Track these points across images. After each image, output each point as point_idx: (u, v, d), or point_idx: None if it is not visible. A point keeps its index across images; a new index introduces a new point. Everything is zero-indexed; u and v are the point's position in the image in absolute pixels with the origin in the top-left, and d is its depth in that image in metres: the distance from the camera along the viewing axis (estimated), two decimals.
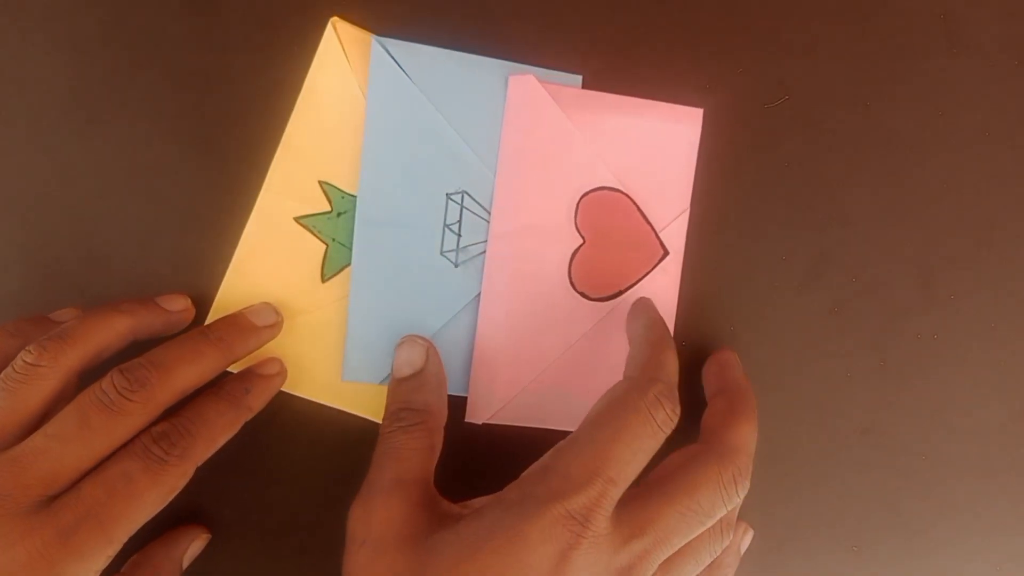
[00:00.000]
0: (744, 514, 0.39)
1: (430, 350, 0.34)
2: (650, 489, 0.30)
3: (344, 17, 0.35)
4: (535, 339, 0.36)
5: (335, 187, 0.36)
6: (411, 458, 0.30)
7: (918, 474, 0.40)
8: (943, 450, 0.40)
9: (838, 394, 0.39)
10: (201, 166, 0.36)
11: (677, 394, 0.30)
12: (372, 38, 0.35)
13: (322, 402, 0.36)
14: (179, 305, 0.35)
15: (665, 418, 0.29)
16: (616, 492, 0.28)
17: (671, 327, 0.37)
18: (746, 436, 0.32)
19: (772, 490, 0.39)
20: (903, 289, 0.39)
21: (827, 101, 0.38)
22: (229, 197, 0.36)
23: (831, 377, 0.39)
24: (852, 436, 0.39)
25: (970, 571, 0.41)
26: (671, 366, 0.31)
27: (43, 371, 0.29)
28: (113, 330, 0.31)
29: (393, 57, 0.35)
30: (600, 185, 0.36)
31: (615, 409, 0.29)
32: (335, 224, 0.36)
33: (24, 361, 0.29)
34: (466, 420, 0.36)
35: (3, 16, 0.35)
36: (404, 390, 0.33)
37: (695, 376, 0.38)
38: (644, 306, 0.35)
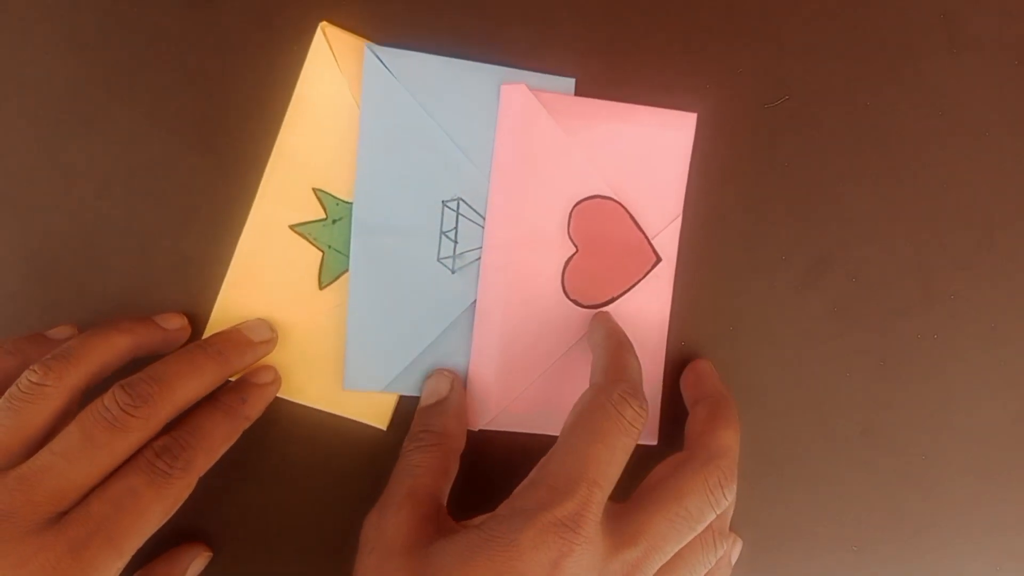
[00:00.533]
0: (744, 514, 0.39)
1: (455, 381, 0.36)
2: (639, 499, 0.31)
3: (334, 21, 0.35)
4: (529, 347, 0.36)
5: (329, 194, 0.36)
6: (424, 475, 0.32)
7: (918, 474, 0.40)
8: (943, 450, 0.40)
9: (838, 394, 0.39)
10: (202, 166, 0.36)
11: (642, 391, 0.31)
12: (365, 45, 0.35)
13: (323, 409, 0.36)
14: (176, 323, 0.35)
15: (634, 415, 0.30)
16: (602, 495, 0.28)
17: (664, 333, 0.38)
18: (729, 440, 0.33)
19: (772, 490, 0.39)
20: (903, 289, 0.39)
21: (827, 101, 0.38)
22: (229, 197, 0.36)
23: (831, 377, 0.39)
24: (852, 436, 0.39)
25: (970, 571, 0.41)
26: (632, 367, 0.32)
27: (48, 390, 0.29)
28: (114, 348, 0.32)
29: (385, 65, 0.35)
30: (593, 194, 0.36)
31: (585, 415, 0.30)
32: (330, 231, 0.36)
33: (29, 380, 0.29)
34: None
35: (3, 16, 0.35)
36: (425, 415, 0.35)
37: None
38: (601, 318, 0.36)
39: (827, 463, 0.39)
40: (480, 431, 0.37)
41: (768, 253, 0.38)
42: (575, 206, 0.36)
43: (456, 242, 0.36)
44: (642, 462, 0.37)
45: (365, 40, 0.35)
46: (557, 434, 0.37)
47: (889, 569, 0.40)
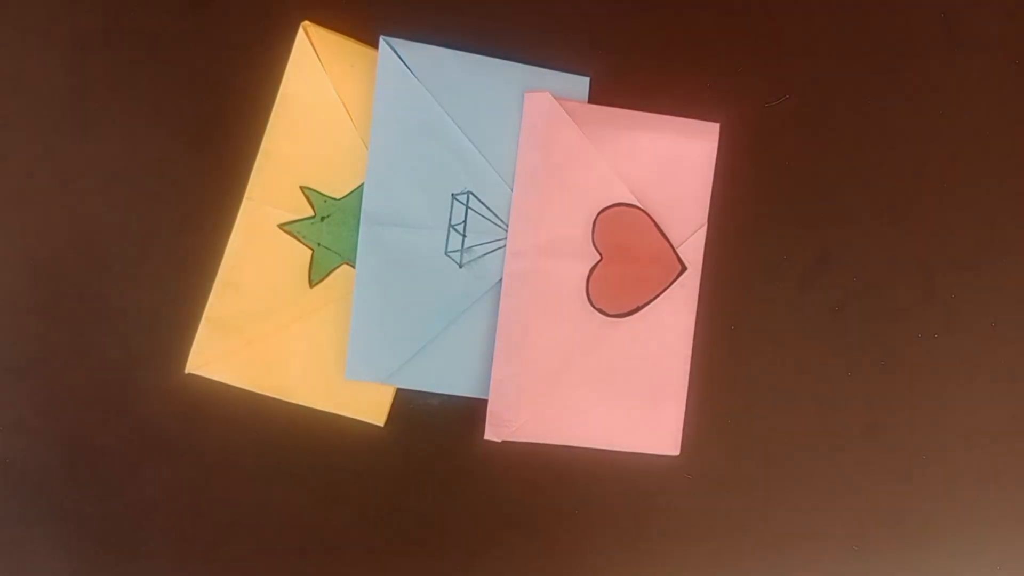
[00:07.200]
0: (745, 514, 0.39)
1: None
2: None
3: (319, 21, 0.35)
4: (554, 356, 0.36)
5: (317, 192, 0.36)
6: None
7: (918, 474, 0.40)
8: (943, 450, 0.40)
9: (839, 394, 0.39)
10: (201, 166, 0.36)
11: None
12: (380, 38, 0.35)
13: (318, 408, 0.36)
14: None
15: None
16: None
17: (689, 342, 0.37)
18: None
19: (773, 490, 0.39)
20: (904, 289, 0.39)
21: (827, 101, 0.38)
22: (229, 196, 0.36)
23: (832, 376, 0.39)
24: (853, 436, 0.39)
25: (970, 571, 0.41)
26: None
27: None
28: None
29: (401, 57, 0.35)
30: (617, 201, 0.36)
31: None
32: (319, 229, 0.36)
33: None
34: (485, 438, 0.36)
35: (3, 16, 0.35)
36: None
37: (704, 381, 0.38)
38: None
39: (827, 463, 0.39)
40: (503, 443, 0.36)
41: (769, 253, 0.38)
42: (599, 214, 0.36)
43: (465, 236, 0.36)
44: (664, 472, 0.38)
45: (349, 38, 0.35)
46: (582, 445, 0.37)
47: (889, 569, 0.40)
